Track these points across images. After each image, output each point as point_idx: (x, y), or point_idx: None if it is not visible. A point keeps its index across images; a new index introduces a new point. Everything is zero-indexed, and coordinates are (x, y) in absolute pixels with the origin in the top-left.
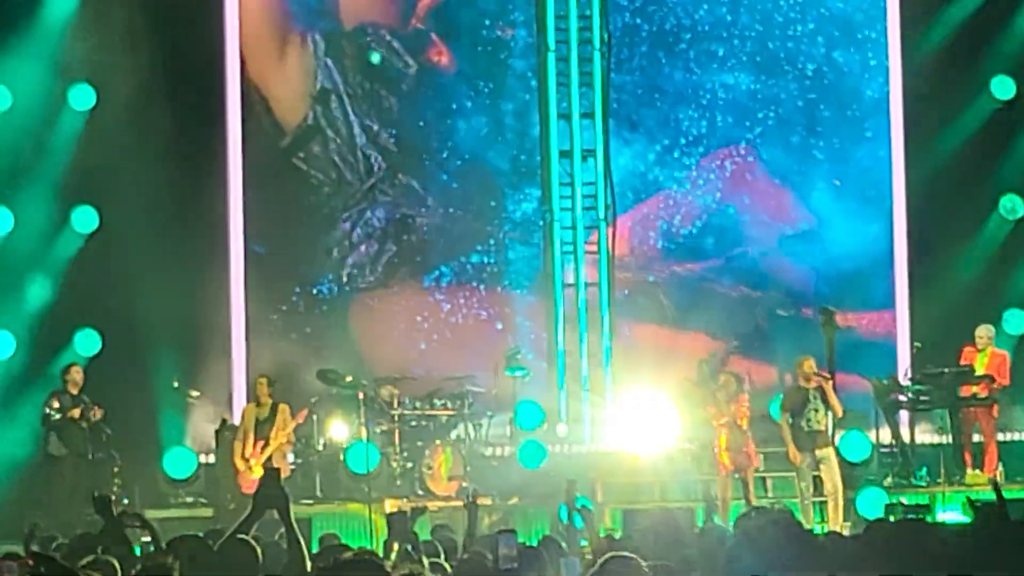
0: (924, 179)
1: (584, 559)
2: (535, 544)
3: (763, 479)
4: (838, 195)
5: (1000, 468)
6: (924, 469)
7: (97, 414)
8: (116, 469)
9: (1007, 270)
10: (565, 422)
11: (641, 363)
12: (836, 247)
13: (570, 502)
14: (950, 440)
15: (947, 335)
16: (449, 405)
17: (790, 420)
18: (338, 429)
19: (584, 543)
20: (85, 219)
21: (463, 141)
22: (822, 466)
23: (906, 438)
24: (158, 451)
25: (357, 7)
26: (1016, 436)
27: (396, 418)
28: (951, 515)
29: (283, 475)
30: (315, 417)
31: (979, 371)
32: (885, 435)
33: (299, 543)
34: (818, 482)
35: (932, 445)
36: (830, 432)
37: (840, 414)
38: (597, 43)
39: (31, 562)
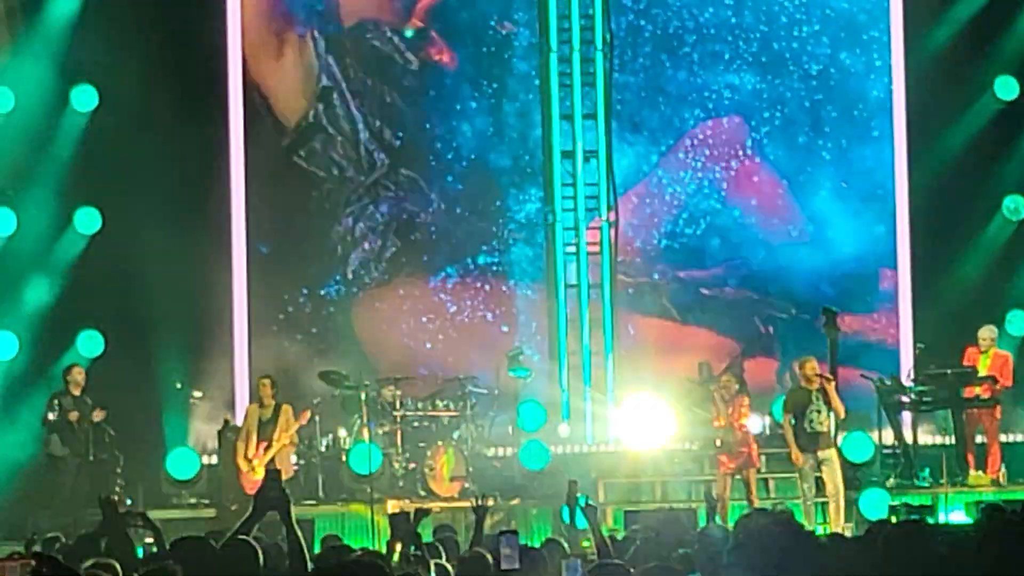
0: (927, 180)
1: (587, 560)
2: (537, 545)
3: (765, 480)
4: (842, 196)
5: (1002, 469)
6: (926, 470)
7: (99, 415)
8: (119, 470)
9: (1010, 271)
10: (567, 422)
11: (644, 363)
12: (839, 248)
13: (572, 503)
14: (953, 441)
15: (950, 336)
16: (451, 406)
17: (792, 421)
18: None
19: (587, 544)
20: (88, 220)
21: (466, 142)
22: (824, 467)
23: (909, 439)
24: (161, 452)
25: (357, 6)
26: (1019, 437)
27: (398, 419)
28: (954, 516)
29: (286, 476)
30: (317, 418)
31: (982, 372)
32: (888, 436)
33: (300, 544)
34: (820, 483)
35: (935, 446)
36: (832, 433)
37: (842, 415)
38: (599, 44)
39: (34, 563)
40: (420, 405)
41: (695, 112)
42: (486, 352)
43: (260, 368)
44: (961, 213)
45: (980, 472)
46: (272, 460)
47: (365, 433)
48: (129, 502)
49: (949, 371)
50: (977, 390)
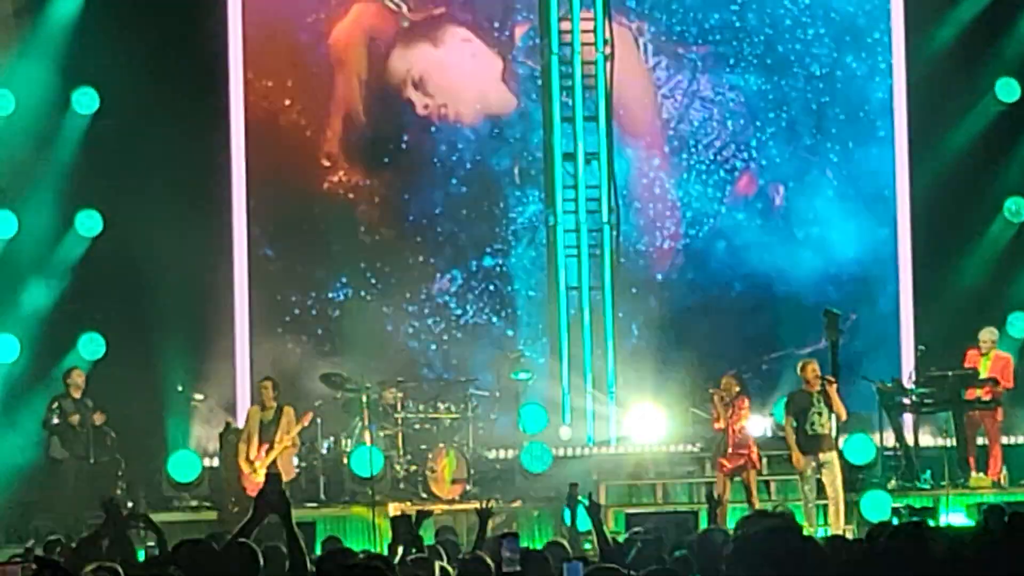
0: (929, 182)
1: (588, 562)
2: (540, 547)
3: (766, 482)
4: (844, 198)
5: (1004, 471)
6: (928, 472)
7: (99, 418)
8: (120, 472)
9: (1012, 273)
10: (568, 424)
11: (646, 364)
12: (841, 250)
13: (573, 506)
14: (954, 443)
15: (951, 338)
16: (452, 408)
17: (794, 424)
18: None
19: (588, 546)
20: (89, 222)
21: (469, 144)
22: (824, 470)
23: (910, 441)
24: (163, 454)
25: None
26: (1020, 439)
27: (400, 421)
28: (955, 518)
29: (287, 478)
30: (319, 420)
31: (983, 374)
32: (889, 438)
33: (300, 547)
34: (821, 485)
35: (936, 448)
36: (834, 435)
37: (844, 417)
38: (600, 46)
39: (35, 566)
40: (421, 407)
41: (699, 114)
42: (490, 354)
43: (262, 371)
44: (962, 215)
45: (981, 474)
46: (274, 462)
47: (366, 435)
48: (131, 504)
49: (950, 373)
50: (978, 392)
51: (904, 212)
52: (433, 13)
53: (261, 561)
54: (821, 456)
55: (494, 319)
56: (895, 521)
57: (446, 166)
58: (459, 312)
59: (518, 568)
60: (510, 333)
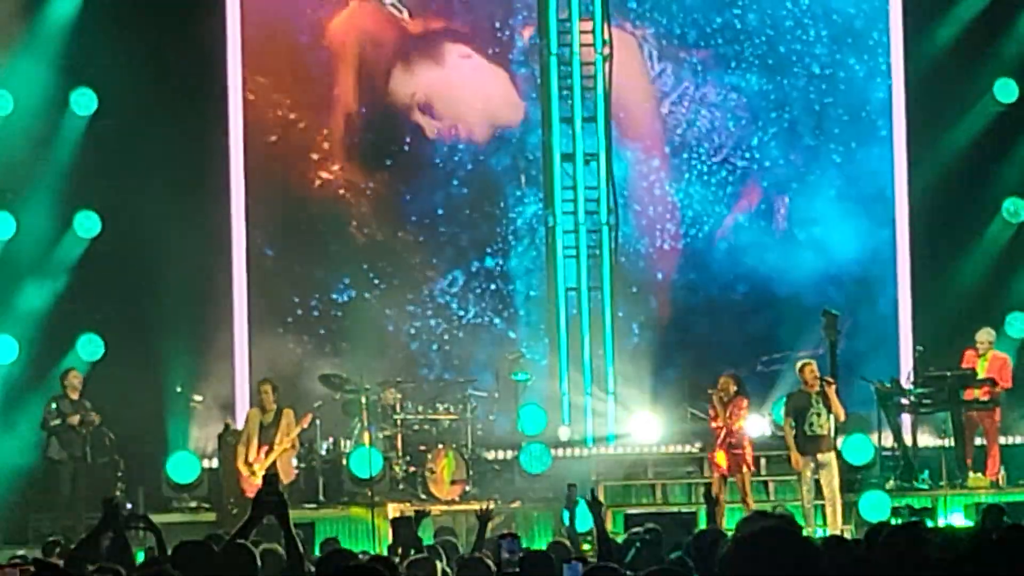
0: (927, 182)
1: (588, 562)
2: (542, 548)
3: (765, 482)
4: (844, 199)
5: (1002, 471)
6: (926, 472)
7: (96, 419)
8: (119, 473)
9: (1010, 273)
10: (567, 425)
11: (645, 365)
12: (839, 250)
13: (571, 507)
14: (952, 443)
15: (950, 338)
16: (451, 409)
17: (792, 424)
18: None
19: (588, 547)
20: (87, 223)
21: (469, 146)
22: (821, 471)
23: (908, 441)
24: (162, 455)
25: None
26: (1018, 439)
27: (399, 422)
28: (953, 518)
29: (287, 479)
30: (318, 422)
31: (981, 375)
32: (887, 438)
33: (298, 549)
34: (820, 486)
35: (934, 448)
36: (832, 436)
37: (842, 418)
38: (599, 46)
39: (33, 568)
40: (420, 408)
41: (699, 115)
42: (491, 355)
43: (261, 372)
44: (961, 215)
45: (979, 474)
46: (273, 464)
47: (366, 436)
48: (129, 505)
49: (949, 373)
50: (976, 392)
51: (903, 212)
52: (431, 28)
53: (259, 562)
54: (819, 457)
55: (495, 320)
56: (896, 521)
57: (447, 167)
58: (460, 313)
59: (518, 569)
60: (512, 335)
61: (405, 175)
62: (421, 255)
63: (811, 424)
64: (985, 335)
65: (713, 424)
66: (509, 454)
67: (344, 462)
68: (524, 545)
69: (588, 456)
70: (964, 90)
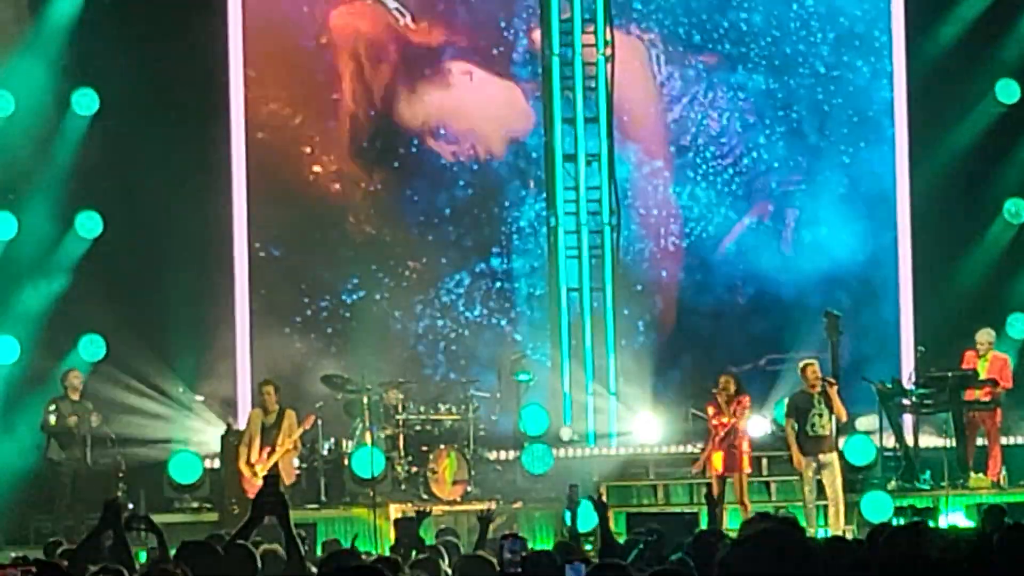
0: (929, 183)
1: (590, 563)
2: (541, 548)
3: (767, 483)
4: (844, 199)
5: (1003, 472)
6: (927, 473)
7: (96, 420)
8: (121, 474)
9: (1011, 274)
10: (570, 426)
11: (647, 365)
12: (842, 251)
13: (573, 507)
14: (953, 444)
15: (951, 339)
16: (454, 410)
17: (794, 425)
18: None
19: (589, 548)
20: (89, 224)
21: (488, 157)
22: (824, 471)
23: (910, 442)
24: (163, 456)
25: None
26: (1019, 440)
27: (401, 423)
28: (954, 518)
29: (289, 480)
30: (320, 422)
31: (981, 375)
32: (889, 439)
33: (299, 549)
34: (821, 486)
35: (936, 449)
36: (834, 437)
37: (844, 419)
38: (601, 47)
39: (34, 569)
40: (423, 409)
41: (703, 116)
42: (496, 355)
43: (265, 372)
44: (962, 216)
45: (981, 475)
46: (275, 465)
47: (368, 437)
48: (131, 506)
49: (950, 374)
50: (978, 393)
51: (904, 213)
52: (435, 41)
53: (259, 563)
54: (821, 457)
55: (498, 321)
56: (901, 521)
57: (453, 168)
58: (466, 314)
59: (519, 569)
60: (515, 335)
61: (411, 176)
62: (428, 255)
63: (813, 425)
64: (985, 336)
65: (714, 421)
66: (511, 454)
67: (346, 462)
68: (528, 546)
69: (590, 456)
70: (966, 91)
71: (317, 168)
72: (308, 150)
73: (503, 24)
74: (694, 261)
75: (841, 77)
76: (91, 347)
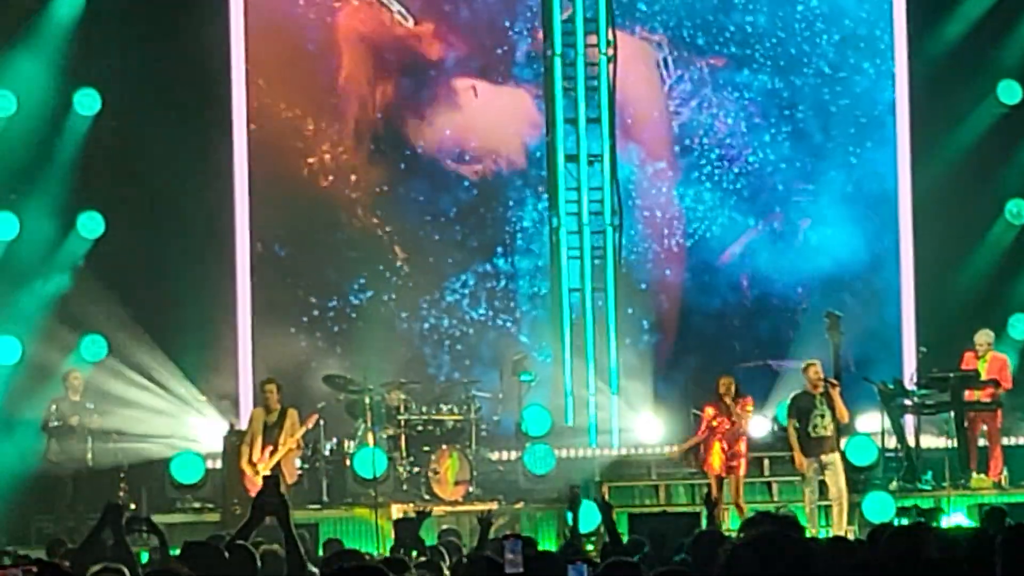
0: (930, 184)
1: (593, 563)
2: (543, 549)
3: (768, 484)
4: (846, 199)
5: (1004, 472)
6: (929, 473)
7: (97, 420)
8: (122, 474)
9: (1013, 275)
10: (571, 426)
11: (649, 366)
12: (844, 251)
13: (575, 507)
14: (955, 444)
15: (953, 339)
16: (456, 410)
17: (796, 426)
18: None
19: (591, 548)
20: (91, 224)
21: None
22: (827, 471)
23: (912, 442)
24: (166, 456)
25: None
26: (1021, 440)
27: (403, 423)
28: (958, 519)
29: (291, 480)
30: (322, 422)
31: (981, 376)
32: (891, 439)
33: (298, 550)
34: (824, 486)
35: (937, 449)
36: (836, 437)
37: (846, 420)
38: (603, 47)
39: (35, 569)
40: (425, 409)
41: (707, 117)
42: (497, 355)
43: (268, 371)
44: (964, 217)
45: (982, 475)
46: (278, 464)
47: (370, 437)
48: (133, 507)
49: (952, 375)
50: (979, 394)
51: (906, 214)
52: (435, 53)
53: (259, 563)
54: (823, 458)
55: (501, 321)
56: (904, 521)
57: (458, 170)
58: (471, 314)
59: (520, 570)
60: (517, 336)
61: (416, 177)
62: (435, 255)
63: (815, 425)
64: (984, 337)
65: (714, 423)
66: (513, 455)
67: (348, 462)
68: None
69: (592, 457)
70: (967, 92)
71: (321, 168)
72: (312, 150)
73: (507, 24)
74: (698, 262)
75: (845, 78)
76: (93, 347)
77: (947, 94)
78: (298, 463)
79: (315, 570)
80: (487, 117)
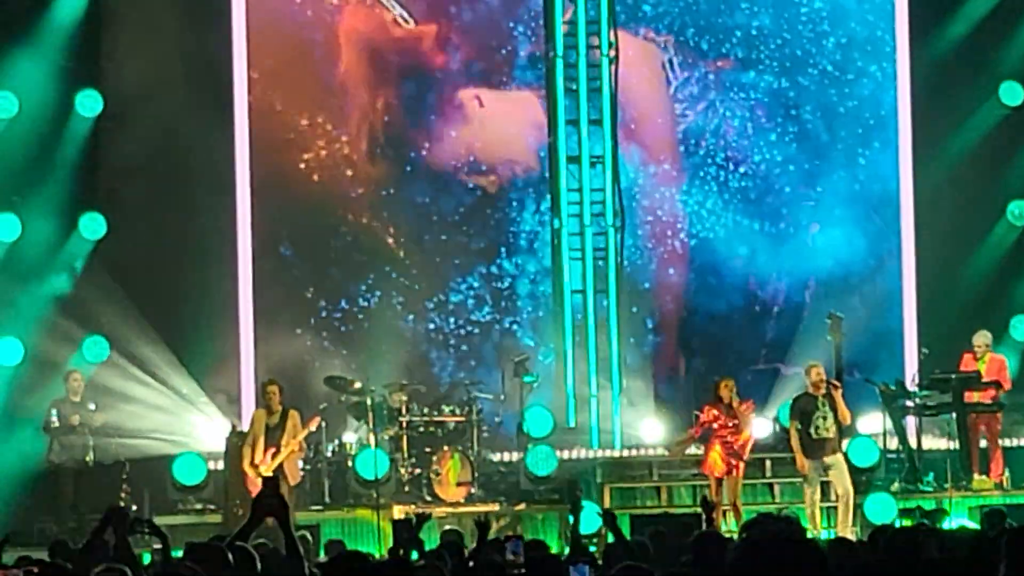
0: (932, 185)
1: (596, 564)
2: (543, 550)
3: (771, 485)
4: (851, 201)
5: (1006, 473)
6: (931, 474)
7: (99, 420)
8: (124, 475)
9: (1015, 276)
10: (574, 427)
11: (650, 367)
12: (844, 252)
13: (575, 509)
14: (957, 446)
15: (955, 341)
16: (457, 411)
17: (798, 427)
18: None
19: (593, 549)
20: (93, 225)
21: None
22: (832, 472)
23: (913, 444)
24: (168, 457)
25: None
26: (1022, 442)
27: (404, 424)
28: (958, 520)
29: (293, 482)
30: (324, 424)
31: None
32: (892, 441)
33: (298, 551)
34: (826, 488)
35: (939, 451)
36: (838, 439)
37: (848, 421)
38: (605, 49)
39: (35, 569)
40: (426, 410)
41: (710, 118)
42: (500, 357)
43: (269, 373)
44: (966, 218)
45: (984, 476)
46: (280, 466)
47: (371, 438)
48: (134, 508)
49: (953, 376)
50: (980, 395)
51: (908, 215)
52: (439, 60)
53: (258, 564)
54: (826, 459)
55: (503, 322)
56: (906, 523)
57: (462, 171)
58: (475, 316)
59: (522, 571)
60: (519, 337)
61: (420, 179)
62: (441, 257)
63: (817, 427)
64: (982, 338)
65: (716, 424)
66: (515, 456)
67: (350, 464)
68: (539, 548)
69: (594, 458)
70: (969, 93)
71: (323, 169)
72: (314, 152)
73: (509, 26)
74: (703, 263)
75: (851, 80)
76: (95, 348)
77: (949, 96)
78: (300, 464)
79: (316, 571)
80: (493, 122)
